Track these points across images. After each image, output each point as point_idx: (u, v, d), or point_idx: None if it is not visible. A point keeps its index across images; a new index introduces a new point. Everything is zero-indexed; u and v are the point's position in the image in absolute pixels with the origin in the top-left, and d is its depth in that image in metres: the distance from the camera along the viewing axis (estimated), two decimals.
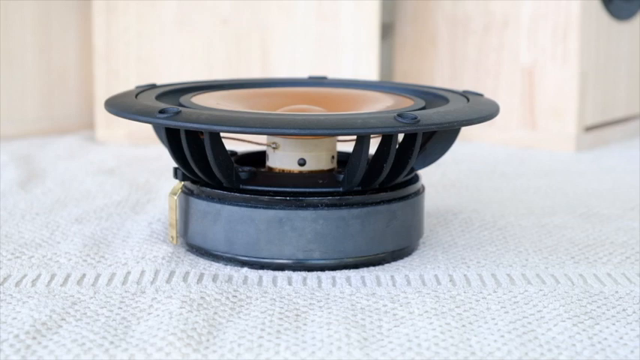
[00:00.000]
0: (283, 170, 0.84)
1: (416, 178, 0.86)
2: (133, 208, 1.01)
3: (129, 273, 0.79)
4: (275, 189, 0.80)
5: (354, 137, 0.78)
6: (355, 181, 0.79)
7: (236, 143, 0.91)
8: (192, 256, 0.83)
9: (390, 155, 0.78)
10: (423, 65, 1.53)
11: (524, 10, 1.41)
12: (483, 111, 0.81)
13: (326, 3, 1.38)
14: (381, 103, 0.87)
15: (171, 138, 0.80)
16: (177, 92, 0.90)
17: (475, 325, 0.68)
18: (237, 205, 0.79)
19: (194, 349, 0.63)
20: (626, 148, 1.43)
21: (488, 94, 1.40)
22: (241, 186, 0.81)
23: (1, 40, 1.41)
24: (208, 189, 0.81)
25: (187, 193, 0.83)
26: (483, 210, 1.01)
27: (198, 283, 0.76)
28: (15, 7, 1.42)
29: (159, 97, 0.85)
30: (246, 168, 0.82)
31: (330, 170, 0.85)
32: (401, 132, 0.74)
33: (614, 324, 0.68)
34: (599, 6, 1.41)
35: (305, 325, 0.68)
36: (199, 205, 0.82)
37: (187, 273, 0.78)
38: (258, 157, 0.91)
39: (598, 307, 0.72)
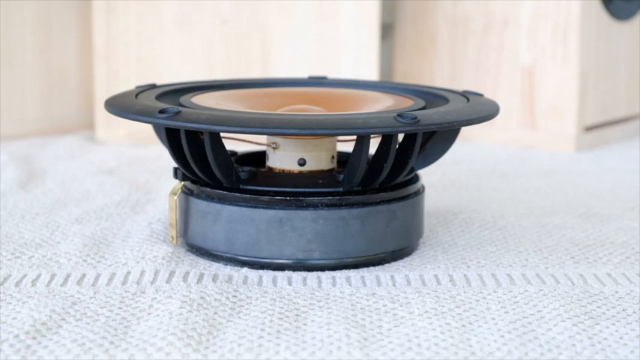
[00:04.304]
0: (283, 170, 0.84)
1: (416, 178, 0.86)
2: (133, 208, 1.01)
3: (129, 273, 0.79)
4: (275, 189, 0.80)
5: (354, 137, 0.78)
6: (355, 181, 0.79)
7: (236, 143, 0.91)
8: (192, 256, 0.83)
9: (390, 155, 0.78)
10: (423, 65, 1.53)
11: (524, 10, 1.41)
12: (483, 111, 0.81)
13: (326, 3, 1.38)
14: (381, 103, 0.87)
15: (171, 138, 0.80)
16: (177, 92, 0.90)
17: (475, 325, 0.68)
18: (237, 205, 0.79)
19: (194, 349, 0.63)
20: (626, 148, 1.43)
21: (488, 94, 1.40)
22: (241, 186, 0.81)
23: (1, 40, 1.41)
24: (208, 189, 0.81)
25: (187, 193, 0.83)
26: (483, 210, 1.01)
27: (198, 283, 0.76)
28: (15, 7, 1.42)
29: (159, 97, 0.85)
30: (246, 168, 0.82)
31: (330, 170, 0.85)
32: (401, 132, 0.74)
33: (614, 324, 0.68)
34: (599, 6, 1.41)
35: (305, 325, 0.67)
36: (199, 205, 0.82)
37: (187, 273, 0.78)
38: (258, 157, 0.91)
39: (598, 307, 0.72)
